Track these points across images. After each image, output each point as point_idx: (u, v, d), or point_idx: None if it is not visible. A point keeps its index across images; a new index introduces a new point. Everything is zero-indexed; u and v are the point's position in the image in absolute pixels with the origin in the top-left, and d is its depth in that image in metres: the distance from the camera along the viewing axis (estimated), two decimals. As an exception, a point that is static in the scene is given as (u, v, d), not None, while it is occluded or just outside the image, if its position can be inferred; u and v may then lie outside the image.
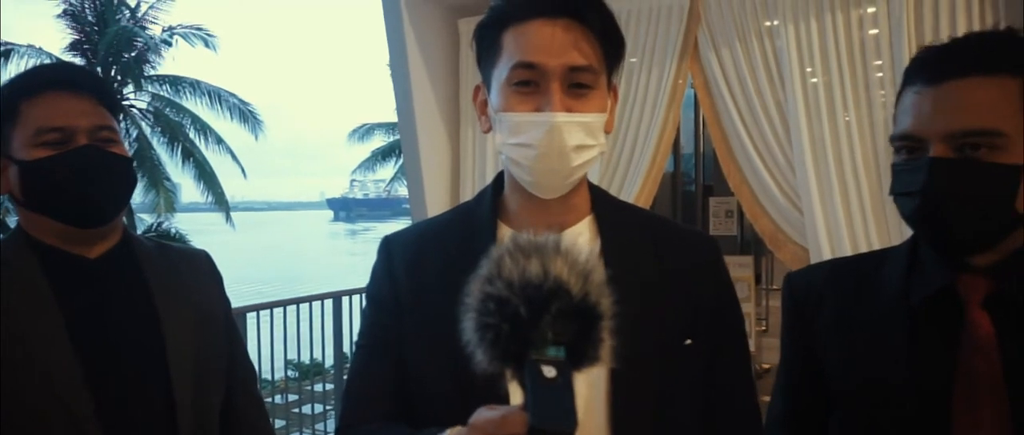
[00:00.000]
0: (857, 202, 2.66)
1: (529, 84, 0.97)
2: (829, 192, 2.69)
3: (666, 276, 1.02)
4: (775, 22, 2.78)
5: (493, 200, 1.07)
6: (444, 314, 0.94)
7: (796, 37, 2.72)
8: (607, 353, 0.76)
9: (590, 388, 0.95)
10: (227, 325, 1.40)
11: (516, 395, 0.79)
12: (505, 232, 1.04)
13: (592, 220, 1.06)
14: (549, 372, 0.72)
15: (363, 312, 1.11)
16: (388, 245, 1.10)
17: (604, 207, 1.08)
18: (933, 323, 1.01)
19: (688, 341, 1.00)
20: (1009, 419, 0.94)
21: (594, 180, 3.27)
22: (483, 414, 0.78)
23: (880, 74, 2.64)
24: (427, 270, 1.04)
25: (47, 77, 1.22)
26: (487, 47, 1.02)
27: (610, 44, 1.00)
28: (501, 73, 0.99)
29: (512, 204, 1.06)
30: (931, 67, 0.98)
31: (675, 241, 1.08)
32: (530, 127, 0.96)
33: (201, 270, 1.40)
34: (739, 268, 3.50)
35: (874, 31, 2.63)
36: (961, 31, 2.38)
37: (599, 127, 1.00)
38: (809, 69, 2.72)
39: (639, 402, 0.96)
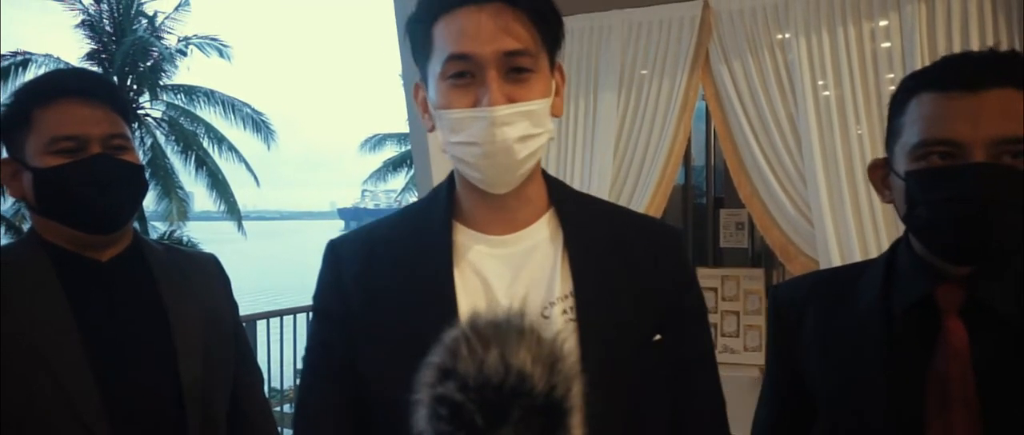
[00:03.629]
0: (868, 214, 2.65)
1: (465, 75, 0.93)
2: (840, 204, 2.68)
3: (630, 268, 0.99)
4: (787, 34, 2.77)
5: (447, 198, 1.03)
6: (396, 322, 0.93)
7: (808, 49, 2.72)
8: None
9: None
10: (235, 328, 1.41)
11: None
12: (460, 231, 1.01)
13: (552, 215, 1.02)
14: None
15: (310, 325, 1.06)
16: (334, 251, 1.04)
17: (563, 200, 1.03)
18: (910, 331, 1.02)
19: (657, 336, 0.98)
20: (979, 425, 0.95)
21: (602, 193, 3.19)
22: None
23: (892, 87, 2.61)
24: (378, 276, 0.99)
25: (61, 85, 1.24)
26: (420, 42, 0.98)
27: (546, 24, 0.96)
28: (436, 67, 0.95)
29: (466, 202, 1.02)
30: (969, 74, 0.97)
31: (637, 232, 1.05)
32: (471, 123, 0.93)
33: (209, 273, 1.41)
34: (750, 281, 3.46)
35: (886, 44, 2.62)
36: (973, 44, 2.37)
37: (544, 113, 0.96)
38: (821, 81, 2.71)
39: (612, 402, 0.91)
